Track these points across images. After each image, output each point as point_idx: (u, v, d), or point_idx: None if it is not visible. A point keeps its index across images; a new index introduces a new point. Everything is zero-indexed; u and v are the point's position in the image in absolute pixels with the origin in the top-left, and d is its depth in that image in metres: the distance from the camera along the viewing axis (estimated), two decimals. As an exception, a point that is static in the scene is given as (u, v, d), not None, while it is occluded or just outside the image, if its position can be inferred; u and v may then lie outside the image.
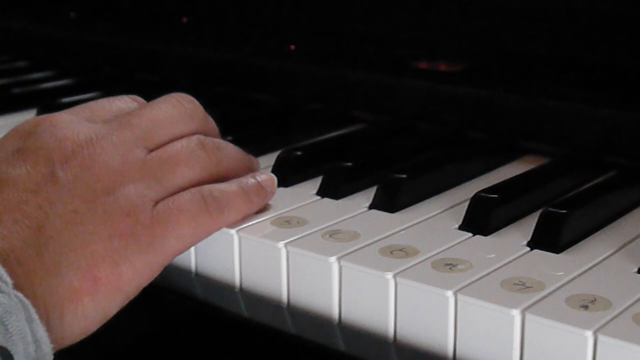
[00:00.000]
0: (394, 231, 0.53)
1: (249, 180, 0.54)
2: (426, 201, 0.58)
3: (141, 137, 0.52)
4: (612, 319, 0.41)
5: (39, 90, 0.91)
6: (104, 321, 0.46)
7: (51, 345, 0.41)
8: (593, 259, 0.49)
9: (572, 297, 0.44)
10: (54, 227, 0.45)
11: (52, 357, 0.42)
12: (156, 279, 0.48)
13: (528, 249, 0.50)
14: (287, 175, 0.61)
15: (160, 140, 0.53)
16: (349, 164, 0.60)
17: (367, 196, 0.58)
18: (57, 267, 0.44)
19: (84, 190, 0.47)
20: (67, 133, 0.49)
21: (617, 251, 0.50)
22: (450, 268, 0.47)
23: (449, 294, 0.44)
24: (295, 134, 0.72)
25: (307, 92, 0.79)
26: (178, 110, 0.54)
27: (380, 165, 0.63)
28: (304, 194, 0.59)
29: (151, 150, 0.52)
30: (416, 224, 0.54)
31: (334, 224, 0.54)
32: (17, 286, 0.41)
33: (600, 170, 0.63)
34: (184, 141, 0.53)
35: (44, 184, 0.47)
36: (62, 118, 0.51)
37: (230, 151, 0.55)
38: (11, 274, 0.41)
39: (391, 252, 0.49)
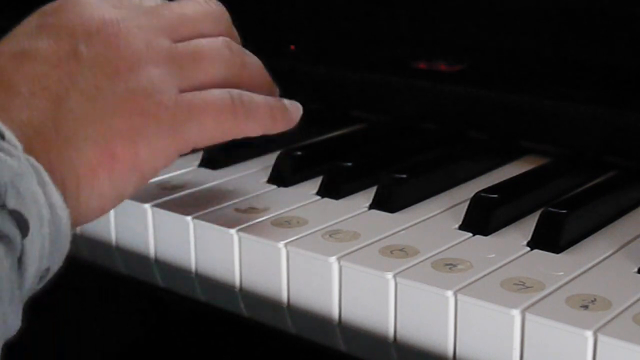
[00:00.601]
0: (394, 231, 0.53)
1: (277, 99, 0.53)
2: (426, 201, 0.58)
3: (167, 27, 0.50)
4: (612, 319, 0.41)
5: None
6: (119, 201, 0.46)
7: (67, 210, 0.41)
8: (593, 259, 0.49)
9: (572, 297, 0.44)
10: (74, 100, 0.44)
11: (69, 222, 0.41)
12: (156, 279, 0.48)
13: (528, 249, 0.50)
14: (287, 175, 0.61)
15: (187, 34, 0.51)
16: (349, 164, 0.60)
17: (367, 196, 0.58)
18: (75, 139, 0.43)
19: (107, 67, 0.46)
20: (93, 13, 0.48)
21: (617, 251, 0.50)
22: (450, 268, 0.47)
23: (449, 294, 0.44)
24: (295, 134, 0.72)
25: (307, 92, 0.79)
26: (205, 10, 0.53)
27: (380, 165, 0.63)
28: (304, 194, 0.59)
29: (176, 42, 0.51)
30: (416, 224, 0.54)
31: (334, 224, 0.54)
32: (34, 156, 0.41)
33: (600, 170, 0.63)
34: (210, 39, 0.52)
35: (65, 59, 0.46)
36: (87, 11, 0.50)
37: (255, 59, 0.54)
38: (27, 143, 0.41)
39: (391, 252, 0.49)
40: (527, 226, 0.53)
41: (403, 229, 0.53)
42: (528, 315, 0.42)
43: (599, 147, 0.64)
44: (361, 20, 0.82)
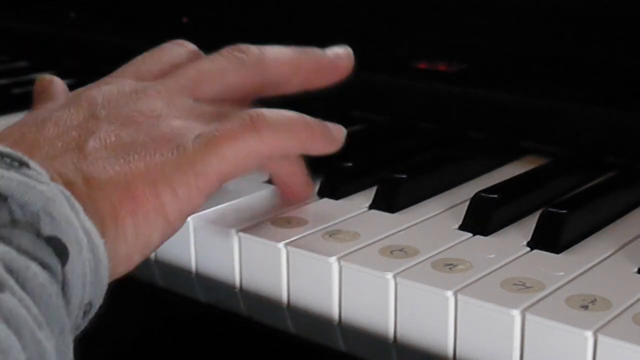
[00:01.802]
0: (394, 231, 0.53)
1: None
2: (426, 201, 0.58)
3: (188, 87, 0.50)
4: (612, 319, 0.41)
5: (39, 90, 0.91)
6: (148, 250, 0.44)
7: (102, 240, 0.40)
8: (593, 259, 0.49)
9: (572, 297, 0.44)
10: (93, 147, 0.44)
11: (106, 253, 0.40)
12: (156, 278, 0.48)
13: (528, 249, 0.50)
14: (287, 175, 0.61)
15: (209, 90, 0.51)
16: (349, 164, 0.60)
17: (367, 196, 0.58)
18: (97, 182, 0.43)
19: (125, 120, 0.47)
20: (113, 87, 0.50)
21: (617, 251, 0.50)
22: (450, 268, 0.47)
23: (449, 294, 0.44)
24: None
25: (306, 92, 0.79)
26: (228, 61, 0.53)
27: (380, 165, 0.63)
28: (304, 194, 0.59)
29: (200, 100, 0.51)
30: (416, 224, 0.54)
31: (334, 224, 0.54)
32: None
33: (600, 170, 0.63)
34: (234, 117, 0.48)
35: (85, 121, 0.47)
36: (108, 86, 0.51)
37: (292, 118, 0.50)
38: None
39: (391, 252, 0.49)
40: (527, 226, 0.53)
41: (403, 229, 0.53)
42: (528, 316, 0.42)
43: (599, 147, 0.64)
44: (361, 20, 0.82)
